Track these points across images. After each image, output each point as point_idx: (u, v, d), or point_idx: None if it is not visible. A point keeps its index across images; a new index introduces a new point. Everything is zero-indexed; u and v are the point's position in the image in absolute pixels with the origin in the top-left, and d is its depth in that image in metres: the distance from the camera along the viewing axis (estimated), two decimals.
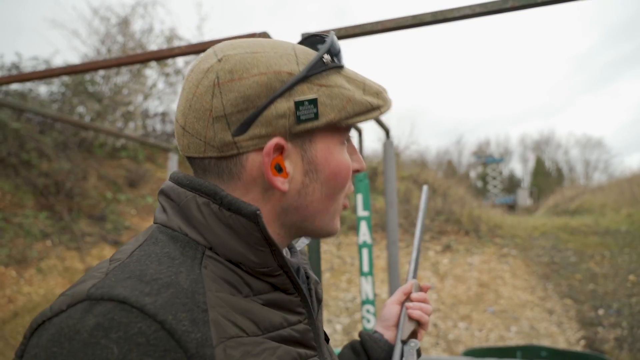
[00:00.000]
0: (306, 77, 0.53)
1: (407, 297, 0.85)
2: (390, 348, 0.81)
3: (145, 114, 10.59)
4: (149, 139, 8.06)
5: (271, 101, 0.51)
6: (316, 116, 0.53)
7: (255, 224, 0.51)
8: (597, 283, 6.60)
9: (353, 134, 0.66)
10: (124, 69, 8.90)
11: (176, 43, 10.61)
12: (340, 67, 0.56)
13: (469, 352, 2.96)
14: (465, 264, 7.55)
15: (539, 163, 33.65)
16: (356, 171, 0.62)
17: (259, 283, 0.54)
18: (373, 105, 0.56)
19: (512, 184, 32.07)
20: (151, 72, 10.28)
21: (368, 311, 2.65)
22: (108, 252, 6.05)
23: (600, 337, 5.52)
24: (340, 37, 1.36)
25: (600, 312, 5.98)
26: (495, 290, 6.77)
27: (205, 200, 0.52)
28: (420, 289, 0.89)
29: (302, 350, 0.55)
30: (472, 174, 31.54)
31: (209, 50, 0.57)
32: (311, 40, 0.58)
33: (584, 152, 34.01)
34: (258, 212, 0.51)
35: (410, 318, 0.82)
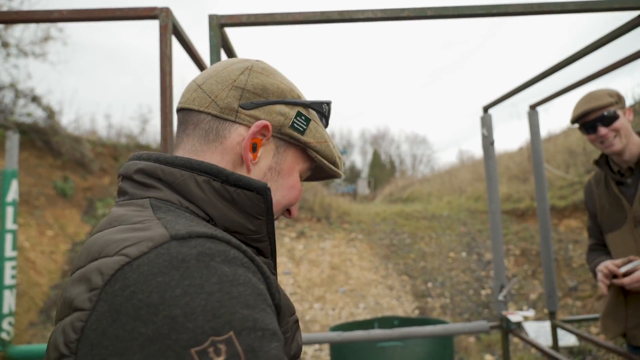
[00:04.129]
0: (309, 106, 0.66)
1: None
2: None
3: None
4: None
5: (279, 102, 0.63)
6: (303, 132, 0.64)
7: (262, 196, 0.58)
8: (427, 260, 7.67)
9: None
10: None
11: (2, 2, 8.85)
12: (327, 122, 0.71)
13: (336, 328, 3.21)
14: (319, 249, 8.03)
15: (376, 155, 37.24)
16: (288, 212, 0.71)
17: (249, 248, 0.60)
18: (335, 161, 0.69)
19: (353, 175, 34.85)
20: None
21: None
22: None
23: (429, 306, 6.46)
24: (250, 24, 1.36)
25: (429, 285, 6.99)
26: (345, 271, 7.37)
27: (205, 178, 0.57)
28: None
29: None
30: None
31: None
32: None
33: (412, 147, 38.83)
34: (268, 186, 0.59)
35: None
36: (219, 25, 1.36)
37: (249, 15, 1.36)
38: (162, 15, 1.31)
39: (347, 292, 6.81)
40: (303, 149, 0.66)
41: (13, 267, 2.90)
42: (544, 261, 2.77)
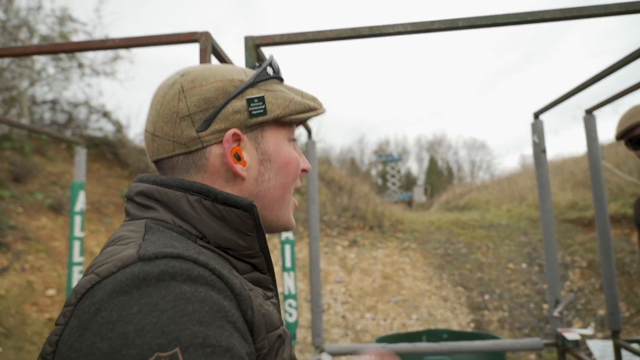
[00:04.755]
0: (254, 83, 0.64)
1: None
2: None
3: (33, 101, 9.55)
4: (37, 128, 7.26)
5: (227, 101, 0.62)
6: (265, 111, 0.63)
7: (249, 213, 0.60)
8: (483, 271, 7.39)
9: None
10: None
11: (69, 25, 9.69)
12: (280, 79, 0.69)
13: (381, 339, 3.18)
14: (371, 258, 7.98)
15: (433, 162, 36.40)
16: (304, 171, 0.71)
17: (243, 264, 0.63)
18: (311, 106, 0.68)
19: (409, 182, 34.24)
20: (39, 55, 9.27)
21: (290, 305, 2.73)
22: None
23: (486, 319, 6.21)
24: (284, 43, 1.42)
25: (486, 297, 6.72)
26: (398, 281, 7.26)
27: (197, 198, 0.59)
28: None
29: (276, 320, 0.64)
30: (373, 172, 33.09)
31: (172, 73, 0.68)
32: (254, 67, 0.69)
33: (470, 153, 37.60)
34: (254, 203, 0.60)
35: None
36: (254, 45, 1.42)
37: (282, 35, 1.42)
38: (202, 39, 1.39)
39: (400, 302, 6.70)
40: (275, 121, 0.65)
41: (80, 272, 3.15)
42: (605, 275, 2.60)
